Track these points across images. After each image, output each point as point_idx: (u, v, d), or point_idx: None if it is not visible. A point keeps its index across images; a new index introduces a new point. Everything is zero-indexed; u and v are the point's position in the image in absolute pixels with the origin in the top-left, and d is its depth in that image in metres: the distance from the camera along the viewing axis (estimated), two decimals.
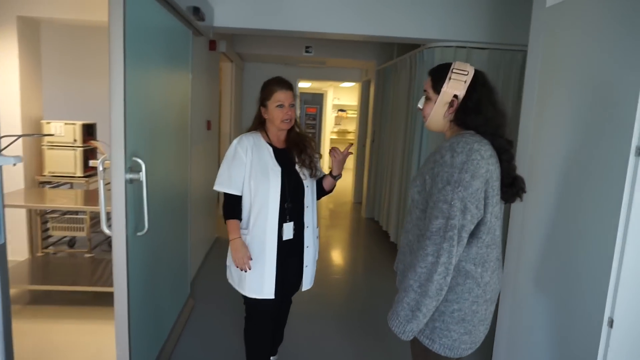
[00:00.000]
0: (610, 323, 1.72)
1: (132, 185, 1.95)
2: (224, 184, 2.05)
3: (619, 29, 1.76)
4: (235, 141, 2.05)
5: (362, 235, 5.86)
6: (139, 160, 1.94)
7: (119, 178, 1.86)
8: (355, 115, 8.96)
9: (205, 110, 4.20)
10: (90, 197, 3.59)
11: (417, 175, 1.63)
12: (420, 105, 1.68)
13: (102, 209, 1.93)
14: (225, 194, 2.06)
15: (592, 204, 1.82)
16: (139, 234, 2.03)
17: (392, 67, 5.23)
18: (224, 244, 4.91)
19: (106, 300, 3.26)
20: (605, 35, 1.83)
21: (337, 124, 12.40)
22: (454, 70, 1.56)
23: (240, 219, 2.08)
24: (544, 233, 2.12)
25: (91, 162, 3.21)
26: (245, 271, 2.03)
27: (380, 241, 5.38)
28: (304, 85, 8.94)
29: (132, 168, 1.93)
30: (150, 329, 2.38)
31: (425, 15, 3.79)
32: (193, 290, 3.54)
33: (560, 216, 2.02)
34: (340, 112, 12.15)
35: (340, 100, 11.96)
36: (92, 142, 4.14)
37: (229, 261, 2.12)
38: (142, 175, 1.94)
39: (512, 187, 1.59)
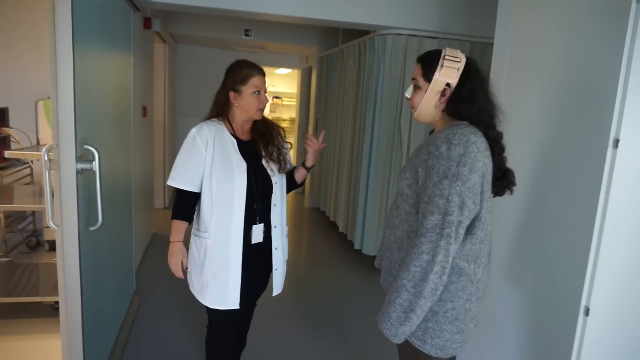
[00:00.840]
0: (587, 311, 1.74)
1: (82, 176, 1.80)
2: (179, 179, 1.81)
3: (593, 16, 1.76)
4: (193, 130, 1.80)
5: (308, 226, 5.75)
6: (91, 148, 1.80)
7: (68, 168, 1.71)
8: (291, 103, 8.79)
9: (140, 95, 3.82)
10: (3, 193, 3.11)
11: (407, 167, 1.53)
12: (408, 95, 1.58)
13: (47, 203, 1.76)
14: (179, 190, 1.82)
15: (569, 195, 1.83)
16: (91, 228, 1.91)
17: (338, 53, 5.12)
18: (162, 240, 4.56)
19: (25, 312, 2.88)
20: (577, 23, 1.83)
21: (272, 111, 12.13)
22: (446, 57, 1.48)
23: (190, 221, 1.85)
24: (516, 225, 2.13)
25: (7, 153, 2.76)
26: (180, 278, 1.85)
27: (328, 232, 5.30)
28: None
29: (82, 157, 1.79)
30: (99, 333, 2.21)
31: (377, 1, 3.71)
32: (137, 286, 3.35)
33: (534, 207, 2.03)
34: (275, 100, 11.90)
35: (276, 87, 11.71)
36: (4, 129, 3.60)
37: (191, 266, 1.89)
38: (95, 165, 1.81)
39: (502, 180, 1.55)
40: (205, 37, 6.06)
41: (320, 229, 5.48)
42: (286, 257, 2.06)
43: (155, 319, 3.03)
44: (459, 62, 1.48)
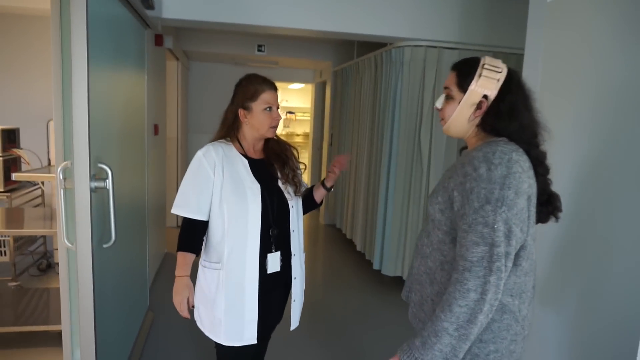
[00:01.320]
0: None
1: (95, 194, 1.82)
2: (184, 207, 1.64)
3: (634, 23, 1.59)
4: (200, 152, 1.65)
5: (324, 244, 5.57)
6: (105, 167, 1.82)
7: (83, 186, 1.73)
8: (304, 118, 8.69)
9: (152, 112, 3.73)
10: (14, 216, 3.02)
11: (438, 189, 1.37)
12: (438, 105, 1.42)
13: (61, 220, 1.83)
14: (185, 219, 1.66)
15: (616, 214, 1.65)
16: (105, 245, 1.91)
17: (353, 67, 5.00)
18: (175, 260, 4.43)
19: (34, 340, 2.75)
20: (618, 32, 1.67)
21: (285, 126, 12.08)
22: (485, 66, 1.32)
23: (197, 252, 1.69)
24: (557, 248, 1.94)
25: (14, 176, 2.68)
26: (186, 317, 1.66)
27: (345, 250, 5.12)
28: None
29: (96, 175, 1.81)
30: (112, 349, 2.19)
31: (393, 12, 3.59)
32: (150, 302, 3.32)
33: (577, 228, 1.84)
34: (289, 115, 11.85)
35: (289, 102, 11.66)
36: (15, 150, 3.54)
37: (200, 301, 1.73)
38: (109, 183, 1.82)
39: (547, 206, 1.38)
40: (218, 54, 6.01)
41: (336, 247, 5.31)
42: (304, 287, 1.89)
43: (169, 335, 3.00)
44: (500, 72, 1.32)
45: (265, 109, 1.67)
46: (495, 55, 3.73)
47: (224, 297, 1.65)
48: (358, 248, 4.64)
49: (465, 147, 1.54)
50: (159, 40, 3.76)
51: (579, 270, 1.82)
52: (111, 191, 1.83)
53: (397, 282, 4.09)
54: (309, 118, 8.29)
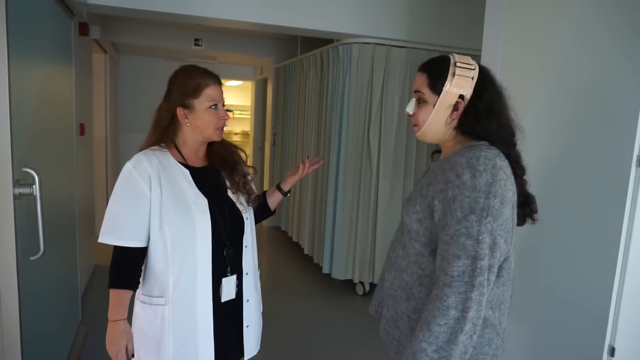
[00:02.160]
0: (612, 352, 1.54)
1: (20, 201, 1.69)
2: (116, 233, 1.35)
3: (603, 21, 1.58)
4: (129, 165, 1.37)
5: (268, 247, 5.37)
6: (31, 171, 1.69)
7: (4, 193, 1.61)
8: (242, 116, 8.41)
9: (77, 110, 3.34)
10: None
11: (415, 197, 1.26)
12: (410, 111, 1.30)
13: None
14: (117, 249, 1.37)
15: (586, 220, 1.63)
16: (32, 258, 1.78)
17: (297, 64, 4.84)
18: (106, 273, 4.03)
19: None
20: (587, 30, 1.65)
21: None
22: (457, 65, 1.22)
23: (135, 287, 1.41)
24: (521, 255, 1.91)
25: None
26: None
27: (292, 254, 4.95)
28: None
29: (21, 180, 1.68)
30: None
31: (339, 8, 3.48)
32: (82, 315, 3.13)
33: (542, 235, 1.81)
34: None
35: (227, 100, 11.26)
36: None
37: (141, 345, 1.44)
38: (36, 189, 1.69)
39: (524, 208, 1.31)
40: (151, 47, 5.60)
41: (282, 250, 5.13)
42: (261, 309, 1.66)
43: (103, 349, 2.67)
44: (473, 69, 1.23)
45: (211, 106, 1.40)
46: (432, 54, 3.74)
47: (171, 338, 1.39)
48: (306, 251, 4.49)
49: (438, 151, 1.44)
50: (83, 29, 3.37)
51: (541, 274, 1.79)
52: (39, 198, 1.70)
53: (348, 285, 4.00)
54: (248, 116, 8.03)
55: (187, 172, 1.44)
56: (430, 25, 3.67)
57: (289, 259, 4.83)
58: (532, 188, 1.29)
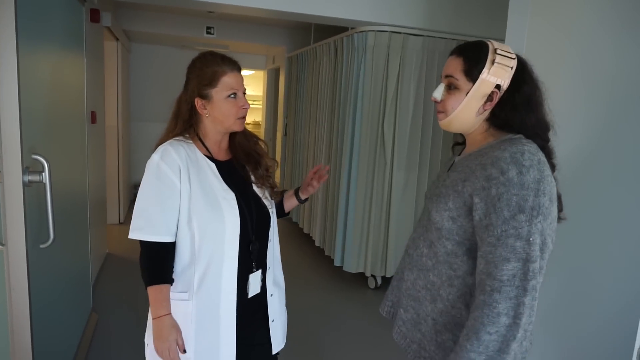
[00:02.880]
0: None
1: (30, 189, 1.69)
2: (147, 228, 1.30)
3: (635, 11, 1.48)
4: (156, 156, 1.31)
5: (279, 239, 5.32)
6: (40, 159, 1.69)
7: (14, 180, 1.61)
8: (255, 106, 8.35)
9: (88, 98, 3.31)
10: None
11: (447, 193, 1.17)
12: (438, 96, 1.22)
13: None
14: (148, 245, 1.33)
15: (612, 220, 1.54)
16: (42, 246, 1.79)
17: (310, 52, 4.76)
18: (118, 262, 4.05)
19: None
20: (619, 17, 1.55)
21: None
22: (498, 52, 1.14)
23: (172, 281, 1.36)
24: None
25: None
26: None
27: (303, 246, 4.91)
28: None
29: (30, 168, 1.68)
30: (53, 356, 2.09)
31: None
32: (94, 303, 3.15)
33: (569, 234, 1.73)
34: None
35: None
36: None
37: (148, 339, 1.40)
38: (45, 177, 1.68)
39: None
40: (163, 35, 5.55)
41: (293, 242, 5.09)
42: (284, 302, 1.61)
43: (114, 337, 2.88)
44: (513, 59, 1.16)
45: (229, 95, 1.34)
46: (449, 43, 3.65)
47: (193, 335, 1.35)
48: (317, 243, 4.44)
49: (460, 143, 1.36)
50: (95, 15, 3.33)
51: (566, 275, 1.72)
52: (48, 185, 1.69)
53: (359, 279, 3.95)
54: (259, 106, 7.97)
55: (214, 165, 1.39)
56: (448, 13, 3.56)
57: (300, 251, 4.79)
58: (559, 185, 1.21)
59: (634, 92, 1.50)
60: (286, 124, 5.82)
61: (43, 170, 1.67)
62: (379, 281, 3.79)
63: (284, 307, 1.61)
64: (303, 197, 1.61)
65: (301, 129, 5.05)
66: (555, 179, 1.20)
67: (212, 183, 1.36)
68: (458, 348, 1.05)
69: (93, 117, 3.47)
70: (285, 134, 5.89)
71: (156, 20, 5.26)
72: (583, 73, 1.70)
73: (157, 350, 1.32)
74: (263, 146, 1.56)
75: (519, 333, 0.99)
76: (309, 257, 4.60)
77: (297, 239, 5.13)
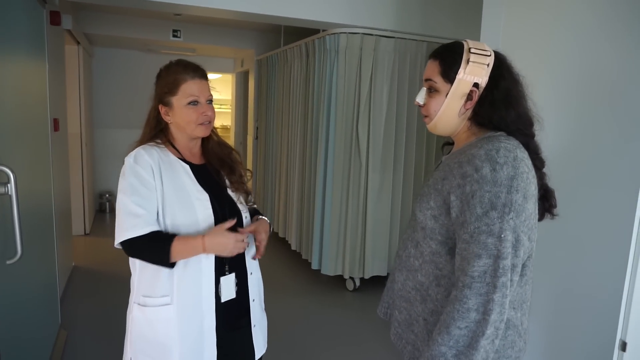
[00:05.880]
0: (623, 346, 1.50)
1: None
2: (138, 224, 1.26)
3: (611, 11, 1.53)
4: (129, 160, 1.32)
5: None
6: (5, 169, 1.59)
7: None
8: (222, 110, 8.23)
9: (51, 105, 3.15)
10: None
11: (429, 192, 1.18)
12: (420, 101, 1.24)
13: None
14: (140, 239, 1.27)
15: (596, 213, 1.58)
16: (8, 262, 1.68)
17: (280, 55, 4.71)
18: (84, 275, 3.87)
19: None
20: (595, 17, 1.60)
21: None
22: (472, 51, 1.15)
23: (173, 236, 1.29)
24: None
25: None
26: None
27: (278, 250, 4.85)
28: None
29: None
30: None
31: None
32: (62, 319, 3.03)
33: (552, 231, 1.76)
34: None
35: None
36: None
37: (137, 353, 1.35)
38: (11, 188, 1.58)
39: (543, 202, 1.24)
40: (127, 39, 5.38)
41: (268, 247, 4.97)
42: (263, 306, 1.60)
43: (85, 353, 2.77)
44: (489, 55, 1.17)
45: (190, 103, 1.35)
46: (430, 45, 3.70)
47: (177, 340, 1.31)
48: (293, 247, 4.40)
49: (449, 143, 1.37)
50: (55, 18, 3.17)
51: (551, 269, 1.75)
52: (14, 197, 1.59)
53: (338, 281, 3.93)
54: (228, 110, 7.85)
55: (188, 167, 1.40)
56: (418, 14, 3.60)
57: (276, 256, 4.73)
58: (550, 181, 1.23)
59: (608, 90, 1.55)
60: (257, 128, 5.75)
61: (8, 182, 1.58)
62: (358, 283, 3.78)
63: (264, 312, 1.60)
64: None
65: (273, 132, 5.00)
66: (544, 175, 1.22)
67: (185, 183, 1.36)
68: (431, 342, 1.06)
69: (56, 125, 3.31)
70: (256, 138, 5.82)
71: (120, 23, 5.09)
72: (564, 66, 1.73)
73: (225, 251, 1.29)
74: (236, 155, 1.56)
75: (489, 330, 1.00)
76: (286, 261, 4.55)
77: (272, 244, 5.05)
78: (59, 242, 3.35)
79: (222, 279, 1.38)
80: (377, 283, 3.84)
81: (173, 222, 1.32)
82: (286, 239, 4.64)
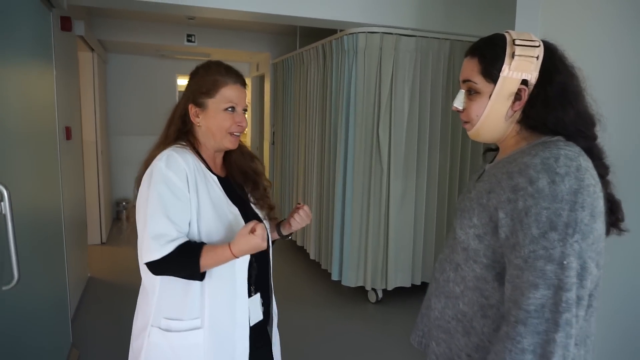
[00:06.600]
0: None
1: None
2: (161, 248, 1.13)
3: None
4: (160, 164, 1.17)
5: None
6: None
7: None
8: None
9: (63, 113, 3.07)
10: None
11: (471, 208, 1.01)
12: (459, 105, 1.07)
13: None
14: (162, 259, 1.15)
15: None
16: (5, 287, 1.54)
17: (296, 58, 4.58)
18: (101, 286, 3.78)
19: None
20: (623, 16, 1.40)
21: None
22: (517, 42, 0.98)
23: (201, 246, 1.17)
24: None
25: None
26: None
27: (297, 259, 4.69)
28: (182, 82, 7.78)
29: None
30: None
31: None
32: (74, 337, 2.86)
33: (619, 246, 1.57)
34: None
35: None
36: None
37: None
38: (5, 207, 1.43)
39: (609, 215, 1.05)
40: (141, 44, 5.32)
41: (285, 256, 4.86)
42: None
43: None
44: (537, 46, 0.99)
45: (227, 108, 1.24)
46: (454, 43, 3.51)
47: None
48: (312, 257, 4.24)
49: (492, 149, 1.20)
50: (66, 23, 3.09)
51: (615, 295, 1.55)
52: (9, 217, 1.43)
53: (359, 293, 3.75)
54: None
55: (216, 178, 1.28)
56: (440, 11, 3.42)
57: (294, 265, 4.57)
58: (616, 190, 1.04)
59: None
60: (273, 132, 5.62)
61: (2, 200, 1.45)
62: (380, 295, 3.60)
63: (277, 328, 1.48)
64: (284, 232, 1.44)
65: (290, 137, 4.86)
66: (609, 183, 1.03)
67: (218, 197, 1.24)
68: None
69: (68, 133, 3.23)
70: (272, 143, 5.69)
71: (133, 29, 5.02)
72: (622, 59, 1.54)
73: (255, 247, 1.14)
74: (259, 166, 1.43)
75: None
76: (304, 271, 4.39)
77: (289, 252, 4.91)
78: (73, 253, 3.26)
79: (249, 300, 1.26)
80: (400, 295, 3.65)
81: (209, 236, 1.19)
82: (304, 247, 4.48)
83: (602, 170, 1.01)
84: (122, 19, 4.93)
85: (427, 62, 3.43)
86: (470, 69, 1.03)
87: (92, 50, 4.57)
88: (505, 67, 0.98)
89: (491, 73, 0.99)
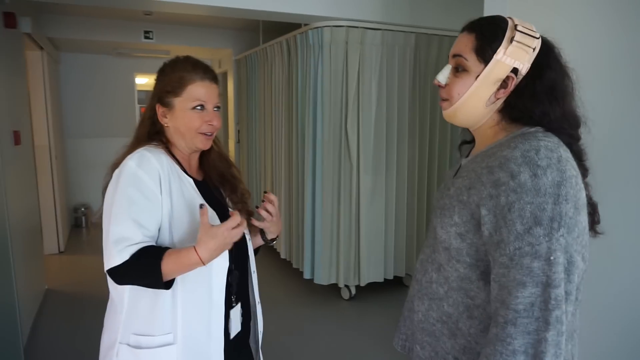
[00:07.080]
0: None
1: None
2: (121, 252, 1.03)
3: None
4: (131, 163, 1.08)
5: None
6: None
7: None
8: None
9: (8, 116, 2.86)
10: None
11: (451, 205, 0.97)
12: (442, 79, 1.02)
13: None
14: (120, 265, 1.05)
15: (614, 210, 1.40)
16: None
17: (260, 54, 4.47)
18: (60, 298, 3.57)
19: None
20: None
21: None
22: (519, 28, 0.94)
23: (163, 250, 1.06)
24: None
25: None
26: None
27: (267, 259, 4.59)
28: (140, 81, 7.50)
29: None
30: None
31: None
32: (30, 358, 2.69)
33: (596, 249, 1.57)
34: None
35: None
36: None
37: None
38: None
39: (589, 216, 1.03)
40: (96, 42, 5.06)
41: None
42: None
43: None
44: (537, 38, 0.95)
45: (195, 107, 1.15)
46: (419, 37, 3.51)
47: None
48: (282, 256, 4.17)
49: (468, 142, 1.16)
50: (10, 20, 2.88)
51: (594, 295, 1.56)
52: None
53: (332, 290, 3.70)
54: None
55: (191, 180, 1.20)
56: (405, 4, 3.40)
57: (265, 265, 4.48)
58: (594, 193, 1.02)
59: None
60: (238, 131, 5.50)
61: None
62: (353, 291, 3.57)
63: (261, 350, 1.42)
64: (269, 236, 1.36)
65: (256, 135, 4.75)
66: (588, 185, 1.01)
67: (193, 199, 1.15)
68: None
69: (16, 138, 3.02)
70: (238, 142, 5.57)
71: (86, 25, 4.77)
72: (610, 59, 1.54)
73: (227, 240, 1.03)
74: (237, 173, 1.35)
75: None
76: (275, 271, 4.30)
77: (259, 253, 4.81)
78: (26, 264, 3.05)
79: (231, 311, 1.19)
80: (374, 290, 3.63)
81: (182, 242, 1.11)
82: (274, 247, 4.40)
83: (582, 171, 0.99)
84: (74, 15, 4.67)
85: (394, 55, 3.41)
86: (465, 44, 0.97)
87: (41, 48, 4.30)
88: (501, 50, 0.93)
89: (485, 52, 0.94)
